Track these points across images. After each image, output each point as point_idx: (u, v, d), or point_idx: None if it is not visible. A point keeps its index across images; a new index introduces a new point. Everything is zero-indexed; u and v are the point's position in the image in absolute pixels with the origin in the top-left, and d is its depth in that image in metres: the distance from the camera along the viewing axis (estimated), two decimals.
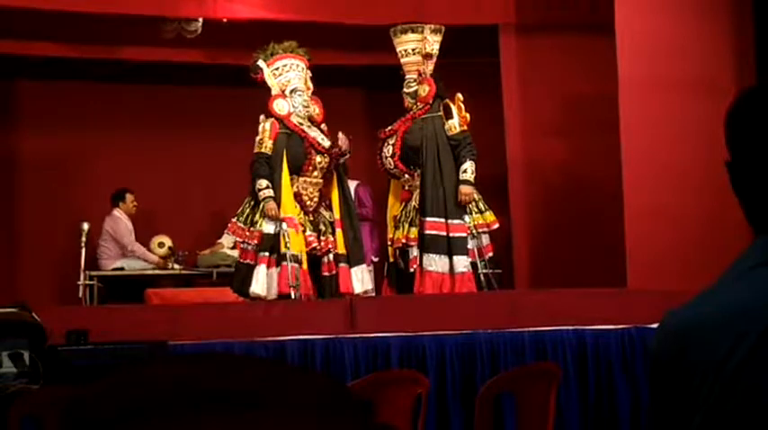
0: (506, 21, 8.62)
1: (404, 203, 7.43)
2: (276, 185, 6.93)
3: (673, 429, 1.22)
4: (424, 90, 7.43)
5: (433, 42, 7.49)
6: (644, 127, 6.95)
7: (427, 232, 7.13)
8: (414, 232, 7.21)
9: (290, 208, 6.91)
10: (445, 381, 5.40)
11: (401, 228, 7.33)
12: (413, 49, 7.51)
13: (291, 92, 7.15)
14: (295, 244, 6.81)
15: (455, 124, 7.32)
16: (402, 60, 7.55)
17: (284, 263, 6.76)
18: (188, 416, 1.16)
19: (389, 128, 7.47)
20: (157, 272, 8.78)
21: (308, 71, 7.33)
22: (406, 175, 7.41)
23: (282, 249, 6.77)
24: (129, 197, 9.01)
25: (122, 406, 1.23)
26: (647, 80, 6.99)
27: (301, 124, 7.11)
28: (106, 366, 4.61)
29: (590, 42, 8.10)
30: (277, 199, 6.89)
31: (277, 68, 7.23)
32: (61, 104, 9.41)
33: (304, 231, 6.96)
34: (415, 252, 7.18)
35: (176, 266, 8.77)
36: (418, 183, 7.33)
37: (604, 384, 5.57)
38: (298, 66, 7.27)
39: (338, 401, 1.20)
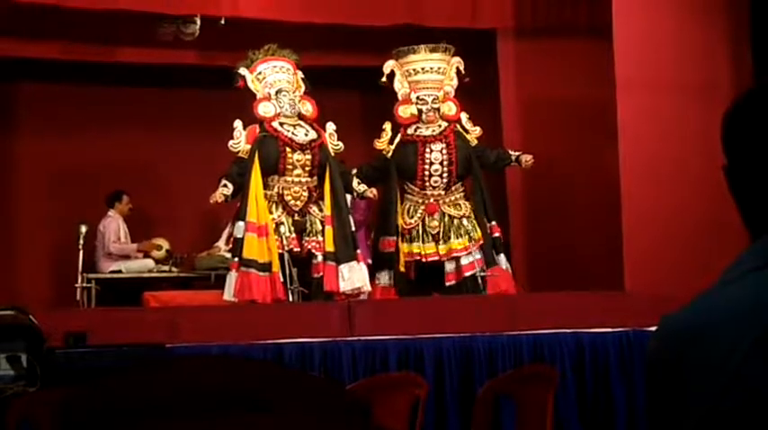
0: (504, 25, 8.64)
1: (429, 217, 7.48)
2: (245, 188, 6.98)
3: None
4: (451, 108, 7.59)
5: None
6: (641, 130, 6.96)
7: (495, 235, 7.50)
8: (463, 243, 7.37)
9: (254, 211, 6.91)
10: (443, 384, 5.40)
11: (428, 242, 7.43)
12: (433, 68, 7.62)
13: (277, 93, 7.22)
14: (252, 249, 6.83)
15: (473, 137, 7.65)
16: (418, 77, 7.61)
17: (243, 268, 6.82)
18: (187, 418, 1.16)
19: (428, 134, 7.51)
20: (155, 274, 8.78)
21: (298, 71, 7.39)
22: (452, 186, 7.50)
23: (243, 255, 6.84)
24: (124, 199, 9.01)
25: (122, 407, 1.23)
26: (645, 83, 6.99)
27: (283, 124, 7.14)
28: (104, 369, 4.61)
29: (587, 46, 8.11)
30: (244, 200, 6.97)
31: (260, 73, 7.33)
32: (59, 106, 9.39)
33: (279, 232, 6.97)
34: (470, 258, 7.35)
35: (174, 269, 8.77)
36: (453, 198, 7.49)
37: (602, 387, 5.57)
38: (282, 67, 7.37)
39: (337, 403, 1.20)
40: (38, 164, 9.41)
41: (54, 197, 9.34)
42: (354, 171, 7.47)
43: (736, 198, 1.27)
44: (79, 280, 8.19)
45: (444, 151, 7.49)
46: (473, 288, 7.30)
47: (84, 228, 8.26)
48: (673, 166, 6.83)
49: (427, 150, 7.48)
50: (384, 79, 7.67)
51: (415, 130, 7.59)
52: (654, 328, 1.30)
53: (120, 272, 8.74)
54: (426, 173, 7.49)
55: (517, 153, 7.71)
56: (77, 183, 9.36)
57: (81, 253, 8.21)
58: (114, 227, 8.86)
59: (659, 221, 6.80)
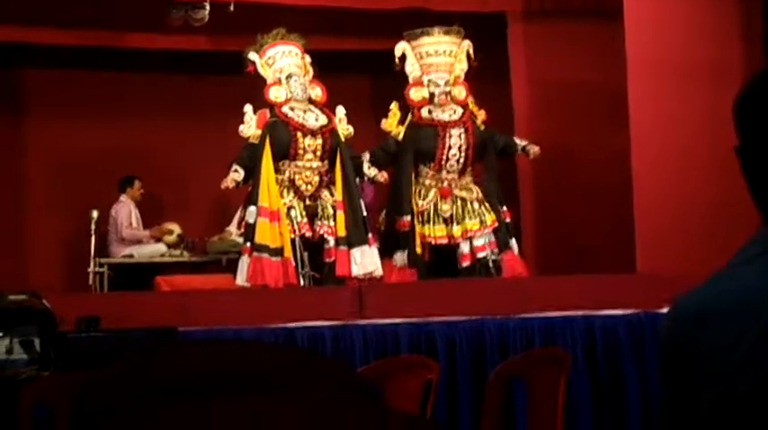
0: (513, 8, 8.61)
1: (441, 200, 7.46)
2: (256, 173, 6.96)
3: (684, 413, 1.22)
4: (461, 91, 7.59)
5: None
6: (652, 112, 6.93)
7: (506, 220, 7.53)
8: (477, 224, 7.37)
9: (265, 196, 6.92)
10: (455, 367, 5.41)
11: (438, 224, 7.41)
12: (446, 51, 7.57)
13: (287, 77, 7.22)
14: (264, 234, 6.82)
15: (479, 121, 7.64)
16: (430, 60, 7.57)
17: (255, 253, 6.84)
18: (200, 402, 1.16)
19: (447, 119, 7.47)
20: (167, 259, 8.81)
21: (306, 56, 7.37)
22: (466, 171, 7.49)
23: (255, 240, 6.86)
24: (136, 184, 9.04)
25: (137, 390, 1.24)
26: (656, 65, 6.96)
27: (293, 108, 7.13)
28: (116, 353, 4.62)
29: (597, 28, 8.07)
30: (255, 185, 6.97)
31: (270, 57, 7.32)
32: (68, 92, 9.41)
33: (290, 217, 6.97)
34: (482, 240, 7.36)
35: (186, 253, 8.80)
36: (464, 181, 7.48)
37: (613, 369, 5.57)
38: (291, 51, 7.36)
39: (348, 386, 1.20)
40: (48, 150, 9.44)
41: (65, 183, 9.37)
42: (367, 155, 7.45)
43: (748, 179, 1.27)
44: (91, 265, 8.22)
45: (463, 136, 7.49)
46: (484, 270, 7.31)
47: (95, 214, 8.29)
48: (684, 148, 6.80)
49: (447, 135, 7.46)
50: (397, 62, 7.63)
51: (430, 113, 7.56)
52: (666, 310, 1.30)
53: (131, 256, 8.77)
54: (444, 157, 7.48)
55: (524, 143, 7.72)
56: (88, 169, 9.39)
57: (93, 238, 8.24)
58: (126, 212, 8.89)
59: (671, 203, 6.77)
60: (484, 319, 5.55)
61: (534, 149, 7.63)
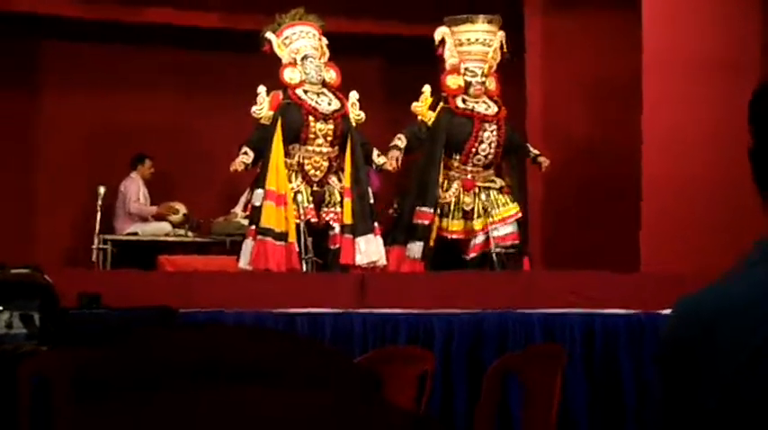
0: None
1: (464, 193, 7.41)
2: (265, 156, 6.95)
3: (686, 411, 1.21)
4: (492, 82, 7.51)
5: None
6: (667, 104, 6.87)
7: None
8: (496, 215, 7.36)
9: (273, 179, 6.89)
10: (452, 360, 5.40)
11: (457, 219, 7.36)
12: (485, 40, 7.48)
13: (303, 59, 7.17)
14: (269, 218, 6.81)
15: None
16: (468, 48, 7.47)
17: (260, 237, 6.82)
18: (199, 387, 1.16)
19: (483, 111, 7.41)
20: (171, 238, 8.82)
21: (323, 38, 7.32)
22: (491, 166, 7.47)
23: (261, 223, 6.84)
24: (147, 162, 9.09)
25: (137, 374, 1.23)
26: (673, 56, 6.90)
27: (307, 91, 7.09)
28: (116, 331, 4.63)
29: (614, 18, 8.01)
30: (264, 168, 6.95)
31: (287, 37, 7.27)
32: (83, 66, 9.41)
33: (296, 202, 6.95)
34: (502, 232, 7.35)
35: (190, 233, 8.80)
36: (487, 174, 7.45)
37: (611, 368, 5.55)
38: (308, 32, 7.31)
39: (350, 376, 1.19)
40: (58, 123, 9.44)
41: (74, 157, 9.38)
42: (403, 141, 7.34)
43: (758, 181, 1.25)
44: (95, 241, 8.23)
45: (495, 133, 7.42)
46: (491, 263, 7.27)
47: (102, 190, 8.30)
48: (698, 145, 6.75)
49: (482, 129, 7.39)
50: (437, 45, 7.48)
51: (464, 103, 7.48)
52: (668, 311, 1.29)
53: (136, 234, 8.79)
54: (474, 150, 7.41)
55: (536, 152, 7.65)
56: (98, 144, 9.40)
57: (99, 214, 8.25)
58: (135, 188, 8.94)
59: (679, 202, 6.74)
60: (484, 313, 5.54)
61: (545, 162, 7.57)
